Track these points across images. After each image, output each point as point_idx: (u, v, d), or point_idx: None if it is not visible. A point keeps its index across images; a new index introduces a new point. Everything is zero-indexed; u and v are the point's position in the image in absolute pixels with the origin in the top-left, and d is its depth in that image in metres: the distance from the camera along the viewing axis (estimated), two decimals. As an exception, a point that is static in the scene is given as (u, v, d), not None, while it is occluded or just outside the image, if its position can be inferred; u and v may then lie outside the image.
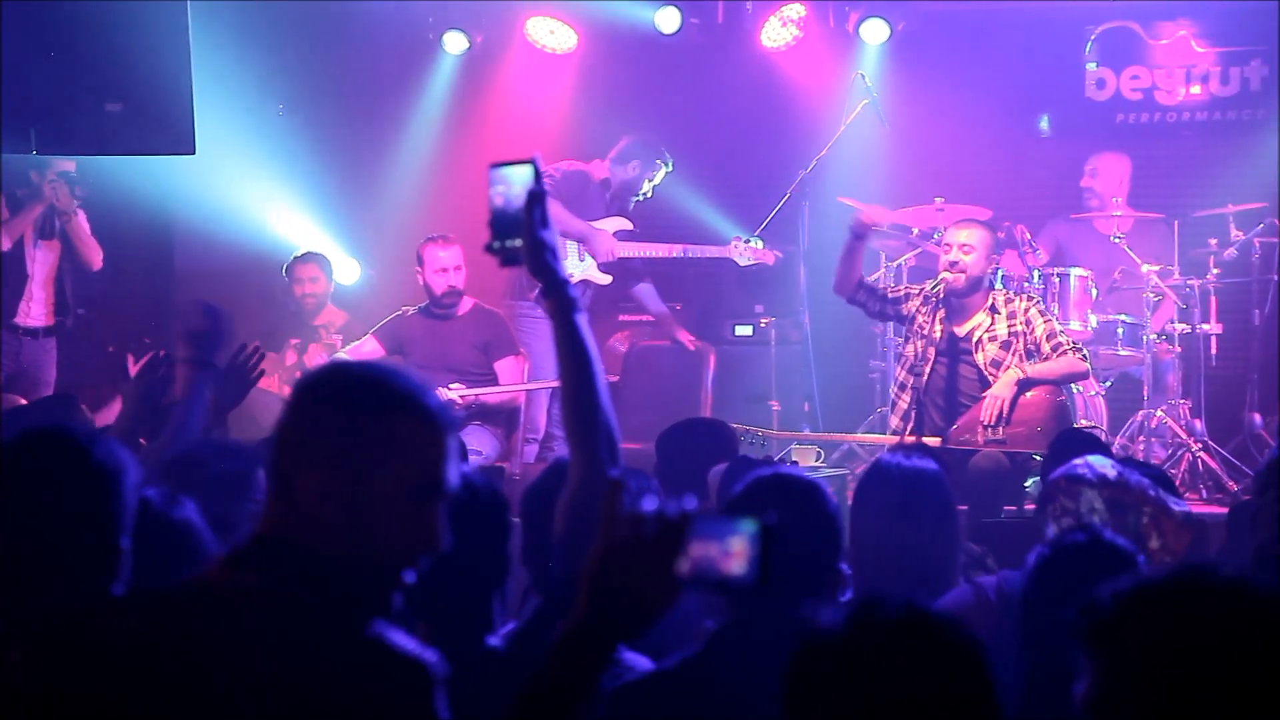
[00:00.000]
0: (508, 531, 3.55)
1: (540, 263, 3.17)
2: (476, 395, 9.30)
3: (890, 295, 8.91)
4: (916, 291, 8.90)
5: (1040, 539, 4.50)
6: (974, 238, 8.61)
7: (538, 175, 3.14)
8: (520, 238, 3.13)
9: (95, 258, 9.77)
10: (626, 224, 10.01)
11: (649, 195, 10.14)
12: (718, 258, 10.30)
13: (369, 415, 2.55)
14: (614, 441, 3.26)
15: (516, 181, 3.15)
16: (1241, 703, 2.21)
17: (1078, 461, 4.58)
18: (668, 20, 11.24)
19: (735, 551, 2.36)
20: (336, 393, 2.59)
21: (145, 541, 3.18)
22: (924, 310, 8.79)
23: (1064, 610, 3.59)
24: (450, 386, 9.15)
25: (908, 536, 4.79)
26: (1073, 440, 6.40)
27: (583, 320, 3.22)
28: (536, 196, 3.13)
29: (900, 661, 2.28)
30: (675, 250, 10.21)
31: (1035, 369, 8.40)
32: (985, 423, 8.33)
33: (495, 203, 3.16)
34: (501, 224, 3.15)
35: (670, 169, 10.12)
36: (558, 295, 3.20)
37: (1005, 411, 8.32)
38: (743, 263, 10.16)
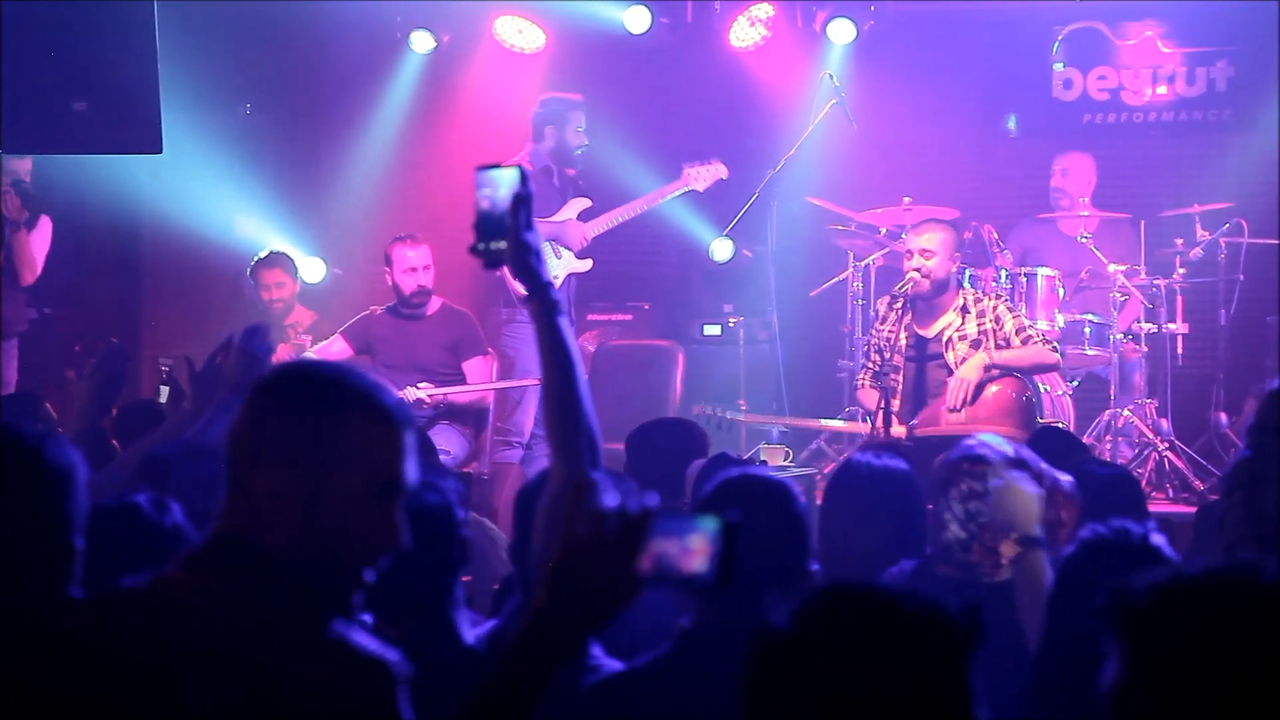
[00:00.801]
0: (453, 530, 3.56)
1: (524, 265, 3.18)
2: (445, 394, 9.29)
3: (880, 349, 8.79)
4: (880, 319, 8.84)
5: (941, 524, 4.55)
6: (934, 241, 8.57)
7: (524, 178, 3.15)
8: (505, 240, 3.15)
9: (29, 275, 9.57)
10: (585, 202, 9.90)
11: (587, 144, 9.99)
12: (678, 194, 10.02)
13: (325, 415, 2.56)
14: (595, 443, 3.27)
15: (502, 184, 3.16)
16: (1267, 705, 2.20)
17: (972, 441, 4.61)
18: (638, 20, 11.24)
19: (696, 549, 2.37)
20: (292, 393, 2.60)
21: (136, 548, 3.19)
22: (888, 324, 8.77)
23: (1089, 606, 3.60)
24: (419, 385, 9.14)
25: (876, 535, 4.80)
26: (1050, 438, 6.41)
27: (565, 323, 3.24)
28: (522, 199, 3.14)
29: (854, 647, 2.23)
30: (637, 207, 10.03)
31: (1002, 356, 8.40)
32: (950, 406, 8.31)
33: (481, 205, 3.17)
34: (486, 226, 3.16)
35: (585, 106, 9.98)
36: (541, 297, 3.21)
37: (969, 395, 8.30)
38: (701, 188, 10.01)
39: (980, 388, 8.35)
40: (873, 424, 8.63)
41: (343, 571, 2.56)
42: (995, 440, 4.58)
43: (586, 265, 9.85)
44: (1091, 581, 3.54)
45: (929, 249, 8.52)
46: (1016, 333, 8.48)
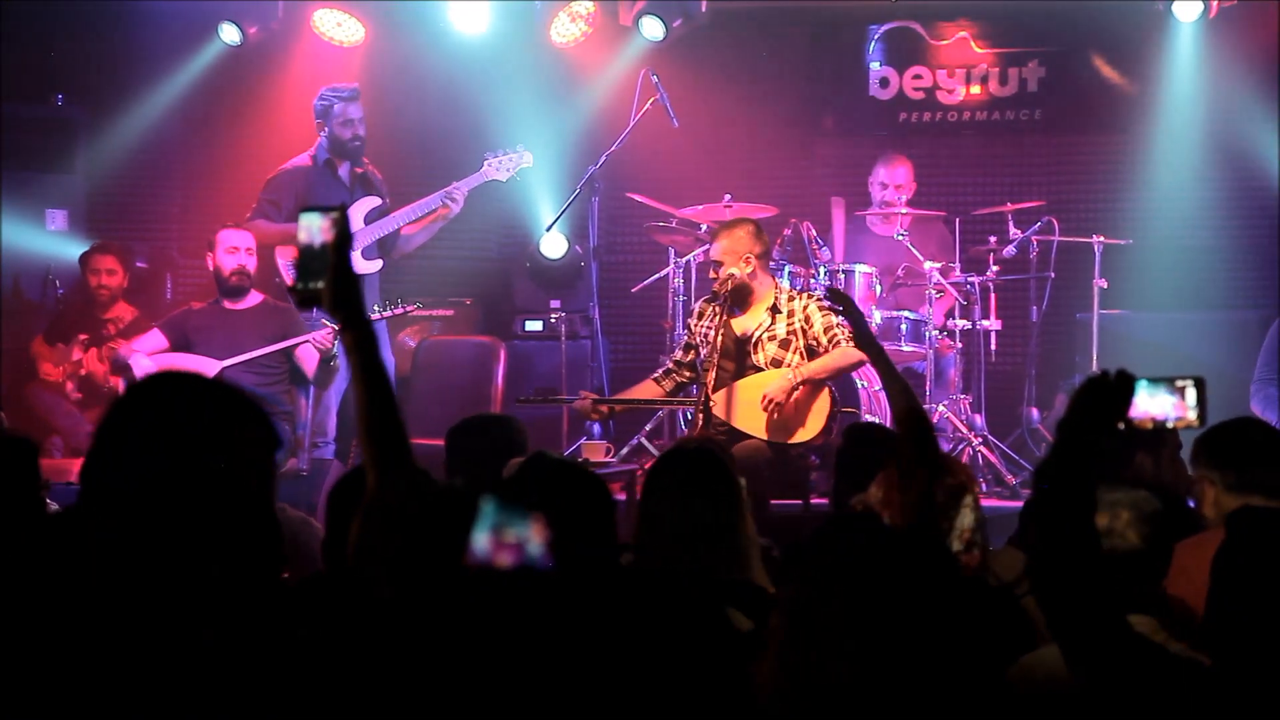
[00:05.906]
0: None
1: (344, 298, 3.17)
2: (253, 356, 9.17)
3: (692, 346, 8.70)
4: (695, 316, 8.77)
5: None
6: (719, 251, 8.44)
7: (345, 219, 3.16)
8: (322, 280, 3.15)
9: None
10: (374, 200, 9.79)
11: (361, 136, 9.85)
12: (478, 185, 9.93)
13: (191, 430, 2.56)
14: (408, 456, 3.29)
15: (322, 224, 3.16)
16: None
17: None
18: (474, 19, 11.22)
19: None
20: (162, 402, 2.60)
21: None
22: (705, 321, 8.69)
23: None
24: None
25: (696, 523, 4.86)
26: (865, 432, 6.48)
27: (383, 353, 3.25)
28: (342, 239, 3.14)
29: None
30: (433, 203, 9.87)
31: (809, 369, 8.32)
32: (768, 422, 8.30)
33: (300, 241, 3.17)
34: (306, 266, 3.17)
35: (356, 96, 9.89)
36: (357, 329, 3.20)
37: (778, 412, 8.29)
38: (504, 177, 9.91)
39: (790, 401, 8.32)
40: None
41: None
42: None
43: (375, 266, 9.74)
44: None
45: (716, 260, 8.47)
46: (824, 331, 8.41)
